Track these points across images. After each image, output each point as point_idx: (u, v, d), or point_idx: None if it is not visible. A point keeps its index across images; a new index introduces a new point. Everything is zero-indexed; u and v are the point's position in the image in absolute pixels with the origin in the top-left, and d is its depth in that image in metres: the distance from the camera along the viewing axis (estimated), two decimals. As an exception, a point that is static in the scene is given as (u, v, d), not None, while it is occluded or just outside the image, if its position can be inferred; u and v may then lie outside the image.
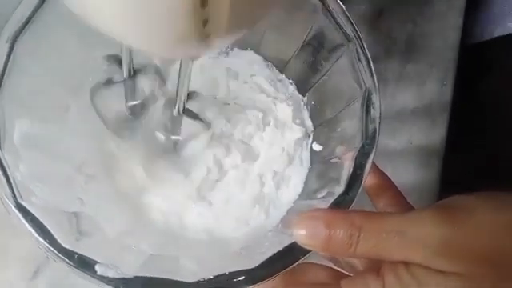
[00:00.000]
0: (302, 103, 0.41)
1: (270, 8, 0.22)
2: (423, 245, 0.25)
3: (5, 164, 0.30)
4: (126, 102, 0.35)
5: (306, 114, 0.40)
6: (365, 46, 0.33)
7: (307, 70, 0.39)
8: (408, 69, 0.52)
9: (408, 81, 0.52)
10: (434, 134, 0.51)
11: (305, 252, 0.29)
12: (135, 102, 0.35)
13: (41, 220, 0.29)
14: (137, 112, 0.36)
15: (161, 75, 0.36)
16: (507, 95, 0.53)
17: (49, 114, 0.35)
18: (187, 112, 0.34)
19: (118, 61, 0.32)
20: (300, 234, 0.27)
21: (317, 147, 0.38)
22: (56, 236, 0.29)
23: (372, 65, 0.33)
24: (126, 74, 0.32)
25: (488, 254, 0.25)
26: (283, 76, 0.41)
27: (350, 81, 0.33)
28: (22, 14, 0.31)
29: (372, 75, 0.32)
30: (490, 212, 0.26)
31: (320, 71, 0.37)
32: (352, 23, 0.33)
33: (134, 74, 0.33)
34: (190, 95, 0.34)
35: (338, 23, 0.33)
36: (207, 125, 0.37)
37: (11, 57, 0.31)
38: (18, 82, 0.31)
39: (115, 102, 0.36)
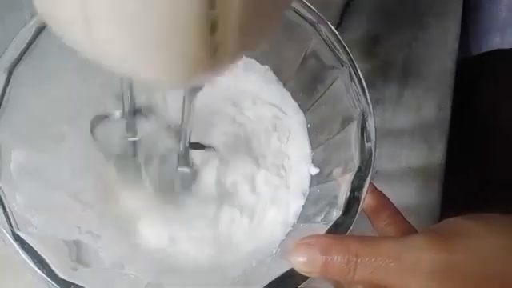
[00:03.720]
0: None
1: (276, 22, 0.22)
2: (419, 270, 0.26)
3: (1, 194, 0.30)
4: (126, 136, 0.36)
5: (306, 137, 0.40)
6: (358, 70, 0.33)
7: (302, 94, 0.39)
8: (405, 94, 0.52)
9: (405, 106, 0.52)
10: (433, 157, 0.50)
11: (304, 278, 0.29)
12: (135, 138, 0.36)
13: (37, 250, 0.29)
14: (137, 147, 0.37)
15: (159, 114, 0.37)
16: (500, 110, 0.54)
17: (45, 143, 0.35)
18: (192, 145, 0.35)
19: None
20: (297, 262, 0.28)
21: (314, 170, 0.38)
22: (53, 266, 0.29)
23: (366, 88, 0.33)
24: (126, 109, 0.33)
25: (483, 279, 0.26)
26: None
27: (345, 104, 0.34)
28: (19, 44, 0.32)
29: (366, 98, 0.33)
30: (484, 236, 0.27)
31: (315, 95, 0.37)
32: (345, 48, 0.33)
33: (134, 111, 0.33)
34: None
35: (330, 48, 0.33)
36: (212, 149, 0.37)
37: (8, 87, 0.31)
38: (14, 111, 0.32)
39: (116, 136, 0.36)
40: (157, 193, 0.38)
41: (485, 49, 0.57)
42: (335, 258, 0.26)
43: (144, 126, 0.36)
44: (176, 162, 0.36)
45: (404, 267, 0.26)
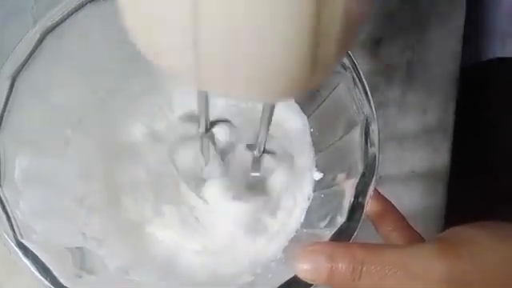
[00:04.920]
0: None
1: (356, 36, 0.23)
2: (425, 280, 0.26)
3: (5, 201, 0.30)
4: (202, 154, 0.36)
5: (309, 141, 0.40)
6: (361, 75, 0.33)
7: (305, 98, 0.39)
8: (408, 97, 0.52)
9: (409, 109, 0.52)
10: (437, 161, 0.50)
11: (308, 285, 0.29)
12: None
13: (41, 258, 0.29)
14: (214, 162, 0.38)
15: (233, 126, 0.37)
16: (504, 114, 0.54)
17: (49, 148, 0.35)
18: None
19: (192, 118, 0.34)
20: (302, 269, 0.28)
21: (317, 175, 0.38)
22: (56, 274, 0.29)
23: (369, 92, 0.33)
24: (202, 128, 0.33)
25: None
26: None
27: (348, 108, 0.33)
28: (23, 50, 0.31)
29: (370, 103, 0.32)
30: (491, 246, 0.26)
31: (318, 99, 0.37)
32: (348, 52, 0.33)
33: (209, 127, 0.34)
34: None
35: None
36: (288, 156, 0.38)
37: (12, 93, 0.31)
38: (18, 117, 0.32)
39: (192, 156, 0.37)
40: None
41: (486, 57, 0.57)
42: (340, 265, 0.26)
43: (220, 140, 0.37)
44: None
45: (410, 276, 0.26)
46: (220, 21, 0.17)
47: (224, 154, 0.39)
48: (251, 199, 0.38)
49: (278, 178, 0.39)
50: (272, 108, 0.28)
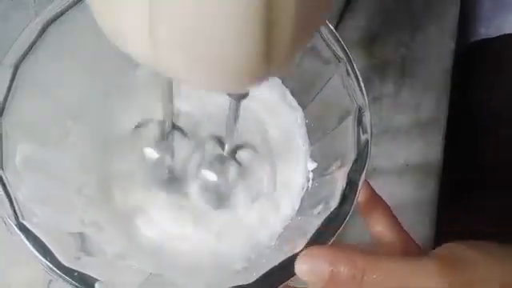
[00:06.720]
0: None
1: (317, 27, 0.22)
2: None
3: (7, 185, 0.31)
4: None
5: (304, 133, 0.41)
6: (355, 66, 0.34)
7: (301, 90, 0.40)
8: (402, 92, 0.53)
9: (403, 104, 0.53)
10: (430, 155, 0.51)
11: None
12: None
13: (42, 239, 0.30)
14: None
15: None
16: (493, 104, 0.54)
17: (50, 137, 0.35)
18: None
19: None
20: (303, 270, 0.28)
21: (311, 166, 0.38)
22: (57, 254, 0.29)
23: (362, 83, 0.33)
24: (168, 122, 0.33)
25: None
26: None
27: (341, 99, 0.34)
28: (25, 40, 0.32)
29: (362, 93, 0.33)
30: (493, 265, 0.27)
31: (313, 91, 0.38)
32: (342, 45, 0.34)
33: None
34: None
35: (328, 45, 0.34)
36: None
37: (14, 82, 0.32)
38: (20, 106, 0.32)
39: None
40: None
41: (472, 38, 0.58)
42: (342, 270, 0.27)
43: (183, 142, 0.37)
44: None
45: None
46: (170, 8, 0.17)
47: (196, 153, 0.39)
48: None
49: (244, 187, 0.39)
50: (237, 105, 0.28)
